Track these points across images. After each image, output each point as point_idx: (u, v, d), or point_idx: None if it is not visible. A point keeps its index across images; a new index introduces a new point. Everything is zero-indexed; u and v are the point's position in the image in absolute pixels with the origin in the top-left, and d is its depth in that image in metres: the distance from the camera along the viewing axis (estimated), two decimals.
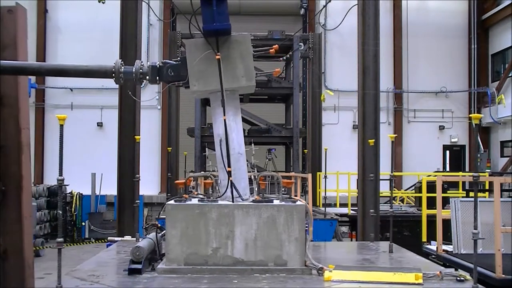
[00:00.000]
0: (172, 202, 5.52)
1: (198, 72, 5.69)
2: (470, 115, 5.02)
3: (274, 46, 6.20)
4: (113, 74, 5.57)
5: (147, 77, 5.71)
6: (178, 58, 5.90)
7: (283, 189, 6.09)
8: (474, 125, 4.94)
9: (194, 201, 5.60)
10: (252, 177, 6.33)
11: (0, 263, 4.63)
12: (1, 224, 4.55)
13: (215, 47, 5.63)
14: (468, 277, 5.09)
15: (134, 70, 5.66)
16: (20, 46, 4.70)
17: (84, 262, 6.13)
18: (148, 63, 5.77)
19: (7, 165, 4.58)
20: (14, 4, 4.76)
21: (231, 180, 5.62)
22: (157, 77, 5.74)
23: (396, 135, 6.94)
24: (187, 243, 5.37)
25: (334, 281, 5.03)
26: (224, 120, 5.69)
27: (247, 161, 6.81)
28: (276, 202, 5.59)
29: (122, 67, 5.58)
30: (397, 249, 7.10)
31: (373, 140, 9.02)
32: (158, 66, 5.74)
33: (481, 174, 18.00)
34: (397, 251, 6.97)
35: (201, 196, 6.03)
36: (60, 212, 4.89)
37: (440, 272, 5.20)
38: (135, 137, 7.84)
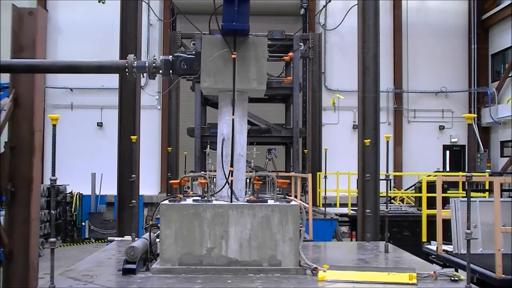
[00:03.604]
0: (166, 202, 5.53)
1: (211, 69, 5.73)
2: (463, 115, 5.01)
3: (289, 54, 6.33)
4: (126, 69, 5.61)
5: (160, 71, 5.78)
6: (193, 51, 5.94)
7: (277, 189, 6.10)
8: (468, 125, 4.91)
9: (189, 201, 5.61)
10: (248, 179, 6.34)
11: (5, 263, 4.63)
12: (8, 225, 4.55)
13: (232, 46, 5.66)
14: (463, 277, 5.10)
15: (147, 64, 5.72)
16: (38, 48, 4.72)
17: (79, 262, 6.13)
18: (161, 57, 5.82)
19: (18, 167, 4.58)
20: (20, 4, 4.78)
21: (231, 180, 5.63)
22: (170, 70, 5.79)
23: (390, 135, 6.94)
24: (182, 243, 5.38)
25: (328, 281, 5.04)
26: (233, 119, 5.70)
27: (248, 162, 6.82)
28: (270, 202, 5.61)
29: (135, 62, 5.64)
30: (393, 249, 7.11)
31: (369, 140, 9.02)
32: (171, 59, 5.79)
33: (481, 174, 18.12)
34: (393, 251, 6.98)
35: (196, 196, 6.04)
36: (53, 212, 4.90)
37: (434, 272, 5.21)
38: (131, 137, 7.83)
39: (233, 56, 5.64)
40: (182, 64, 5.79)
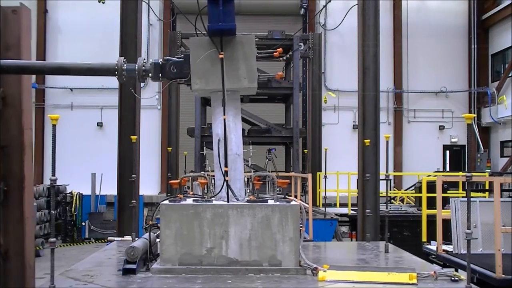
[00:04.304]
0: (166, 202, 5.53)
1: (201, 71, 5.70)
2: (463, 115, 5.01)
3: (278, 49, 6.28)
4: (116, 72, 5.58)
5: (150, 74, 5.73)
6: (182, 55, 5.91)
7: (278, 189, 6.10)
8: (467, 124, 4.93)
9: (189, 201, 5.61)
10: (246, 178, 6.34)
11: (1, 263, 4.62)
12: (2, 224, 4.55)
13: (219, 46, 5.64)
14: (463, 277, 5.10)
15: (137, 67, 5.67)
16: (24, 47, 4.70)
17: (79, 262, 6.13)
18: (151, 60, 5.77)
19: (9, 166, 4.59)
20: (18, 4, 4.78)
21: (226, 180, 5.63)
22: (160, 74, 5.75)
23: (390, 135, 6.93)
24: (182, 243, 5.38)
25: (328, 281, 5.04)
26: (224, 119, 5.69)
27: (245, 161, 6.81)
28: (270, 202, 5.60)
29: (125, 65, 5.60)
30: (393, 249, 7.11)
31: (369, 140, 9.03)
32: (160, 63, 5.75)
33: (481, 174, 18.12)
34: (393, 251, 6.98)
35: (196, 196, 6.04)
36: (53, 212, 4.89)
37: (434, 272, 5.21)
38: (131, 137, 7.82)
39: (220, 56, 5.62)
40: (172, 67, 5.74)
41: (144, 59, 5.80)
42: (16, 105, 4.63)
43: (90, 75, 5.97)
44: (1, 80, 4.60)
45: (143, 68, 5.69)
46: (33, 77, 20.76)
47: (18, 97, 4.67)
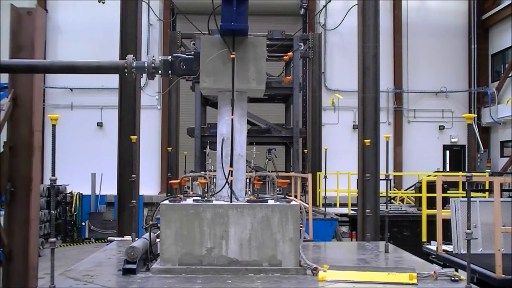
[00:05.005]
0: (166, 202, 5.53)
1: (210, 69, 5.73)
2: (463, 115, 5.02)
3: (288, 54, 6.33)
4: (125, 69, 5.61)
5: (160, 71, 5.77)
6: (192, 52, 5.94)
7: (278, 189, 6.11)
8: (468, 124, 4.94)
9: (189, 201, 5.61)
10: (248, 179, 6.35)
11: (5, 264, 4.63)
12: (8, 225, 4.56)
13: (231, 46, 5.66)
14: (463, 277, 5.10)
15: (146, 64, 5.72)
16: (37, 48, 4.73)
17: (79, 262, 6.13)
18: (160, 57, 5.81)
19: (17, 166, 4.60)
20: (20, 4, 4.80)
21: (230, 181, 5.63)
22: (169, 71, 5.78)
23: (390, 135, 6.94)
24: (182, 243, 5.38)
25: (328, 281, 5.04)
26: (232, 119, 5.71)
27: (248, 162, 6.82)
28: (270, 202, 5.61)
29: (134, 62, 5.63)
30: (393, 249, 7.12)
31: (369, 140, 9.03)
32: (170, 60, 5.79)
33: (481, 174, 18.11)
34: (393, 251, 6.98)
35: (196, 196, 6.04)
36: (53, 212, 4.91)
37: (434, 272, 5.22)
38: (131, 137, 7.83)
39: (232, 56, 5.64)
40: (181, 64, 5.79)
41: (153, 56, 5.84)
42: (27, 107, 4.64)
43: (99, 73, 5.99)
44: (13, 81, 4.62)
45: (153, 65, 5.74)
46: None
47: (29, 98, 4.69)
